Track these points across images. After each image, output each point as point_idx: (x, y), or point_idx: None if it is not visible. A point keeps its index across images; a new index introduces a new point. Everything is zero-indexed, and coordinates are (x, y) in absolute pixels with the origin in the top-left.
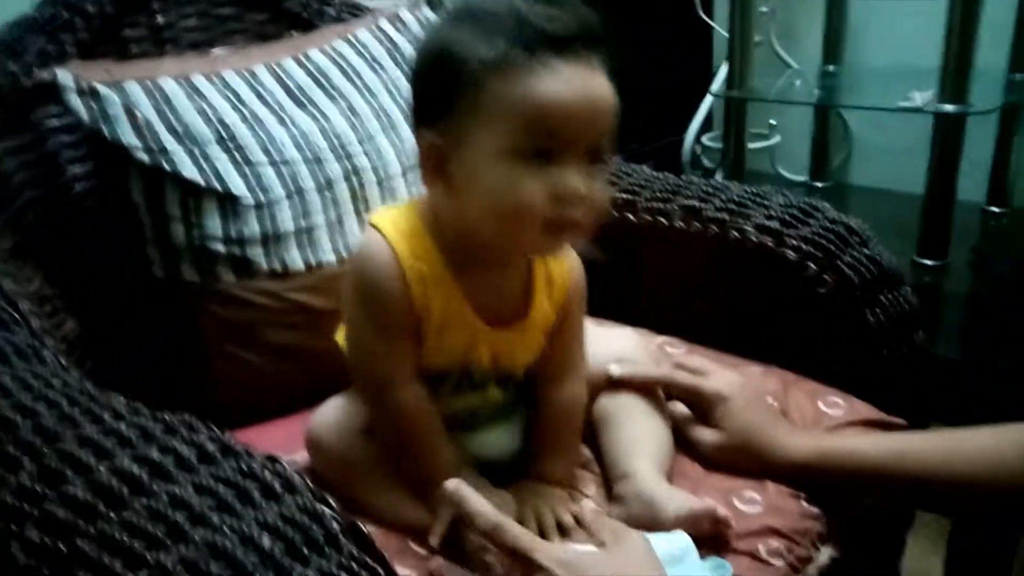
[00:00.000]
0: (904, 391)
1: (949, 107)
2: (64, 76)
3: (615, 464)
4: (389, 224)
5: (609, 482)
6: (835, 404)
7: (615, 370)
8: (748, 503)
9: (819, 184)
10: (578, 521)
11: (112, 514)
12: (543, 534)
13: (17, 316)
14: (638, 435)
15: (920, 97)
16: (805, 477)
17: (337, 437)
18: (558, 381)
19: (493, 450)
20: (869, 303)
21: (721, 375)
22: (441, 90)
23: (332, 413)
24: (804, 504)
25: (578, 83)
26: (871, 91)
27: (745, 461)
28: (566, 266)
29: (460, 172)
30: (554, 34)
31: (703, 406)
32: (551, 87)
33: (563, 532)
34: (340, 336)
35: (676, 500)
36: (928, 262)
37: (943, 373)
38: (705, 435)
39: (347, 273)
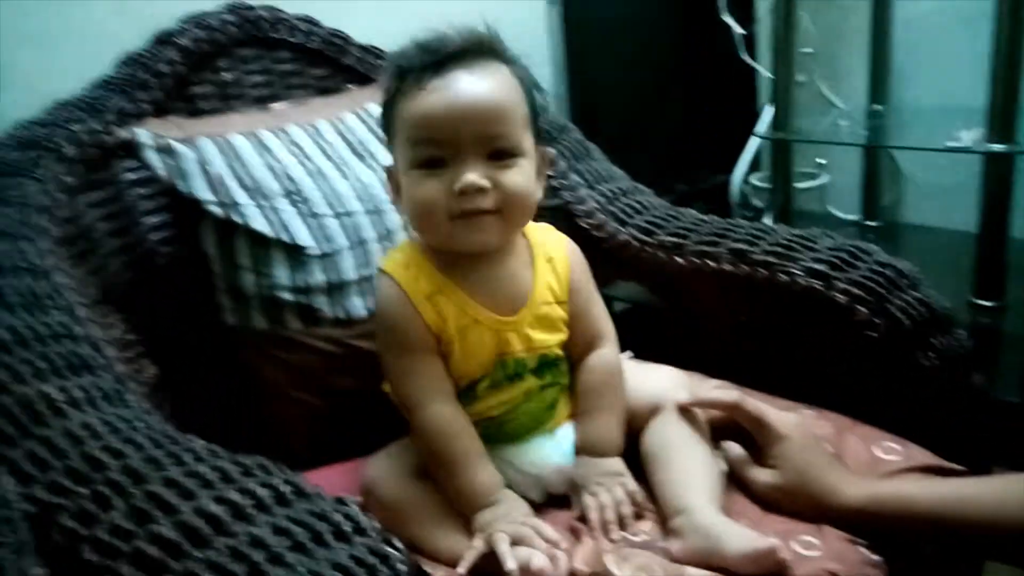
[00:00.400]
0: (963, 436)
1: (997, 146)
2: (143, 134)
3: (669, 500)
4: (390, 262)
5: (664, 518)
6: (891, 450)
7: (682, 397)
8: (807, 547)
9: (871, 223)
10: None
11: (197, 553)
12: (605, 531)
13: (104, 361)
14: (689, 470)
15: (968, 136)
16: (859, 521)
17: (389, 483)
18: (589, 348)
19: (541, 464)
20: (921, 346)
21: (779, 414)
22: (384, 125)
23: (385, 461)
24: (865, 551)
25: (450, 95)
26: (918, 131)
27: (799, 502)
28: (558, 242)
29: (401, 185)
30: (433, 58)
31: (762, 441)
32: (424, 103)
33: (623, 525)
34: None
35: (737, 536)
36: (985, 303)
37: (1004, 416)
38: (760, 475)
39: (374, 319)
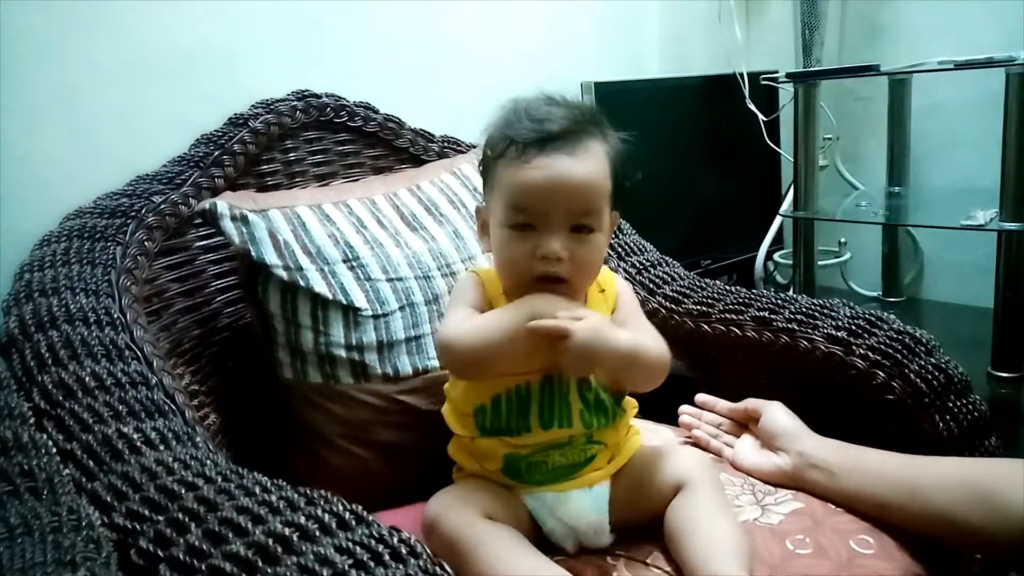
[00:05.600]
0: None
1: (1011, 225)
2: (222, 205)
3: (697, 572)
4: (479, 269)
5: None
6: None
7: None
8: None
9: (891, 299)
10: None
11: (269, 569)
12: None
13: (175, 407)
14: (716, 539)
15: (983, 215)
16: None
17: (452, 519)
18: None
19: (576, 517)
20: (939, 410)
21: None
22: (482, 172)
23: (447, 497)
24: None
25: (549, 173)
26: (935, 211)
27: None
28: (611, 279)
29: (491, 233)
30: (537, 136)
31: (756, 425)
32: (526, 177)
33: None
34: (451, 446)
35: None
36: (1003, 374)
37: None
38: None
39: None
